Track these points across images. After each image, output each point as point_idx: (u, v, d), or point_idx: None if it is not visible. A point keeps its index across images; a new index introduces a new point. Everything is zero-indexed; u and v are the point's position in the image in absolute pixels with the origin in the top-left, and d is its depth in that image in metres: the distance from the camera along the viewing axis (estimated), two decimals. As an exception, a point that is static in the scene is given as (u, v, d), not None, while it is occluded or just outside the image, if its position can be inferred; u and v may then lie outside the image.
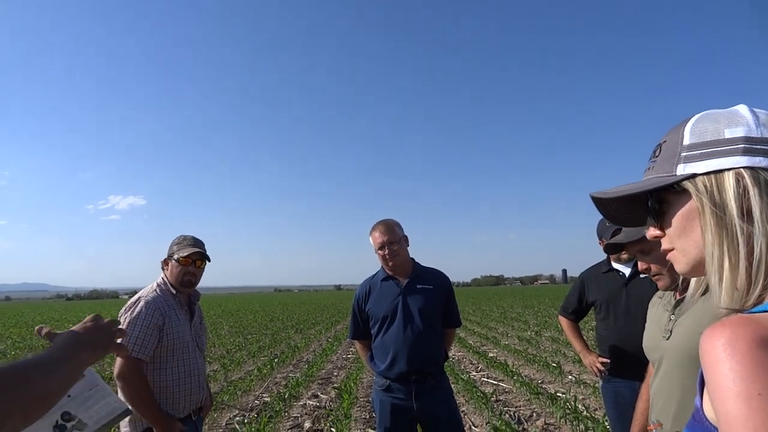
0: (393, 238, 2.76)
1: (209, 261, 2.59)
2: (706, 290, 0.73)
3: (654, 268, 1.48)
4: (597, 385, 6.61)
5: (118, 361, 2.23)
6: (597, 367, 2.99)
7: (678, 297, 1.52)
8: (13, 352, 12.36)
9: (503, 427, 4.85)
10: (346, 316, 23.63)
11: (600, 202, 0.81)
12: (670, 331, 1.44)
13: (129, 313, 2.32)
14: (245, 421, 5.75)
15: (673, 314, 1.47)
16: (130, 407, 1.21)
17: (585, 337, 3.40)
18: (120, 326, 1.10)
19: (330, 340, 13.82)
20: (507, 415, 5.64)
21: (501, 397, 6.59)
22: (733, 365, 0.53)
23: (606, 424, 4.72)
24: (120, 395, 2.29)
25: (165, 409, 2.31)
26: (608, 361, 2.93)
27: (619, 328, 2.86)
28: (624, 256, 2.92)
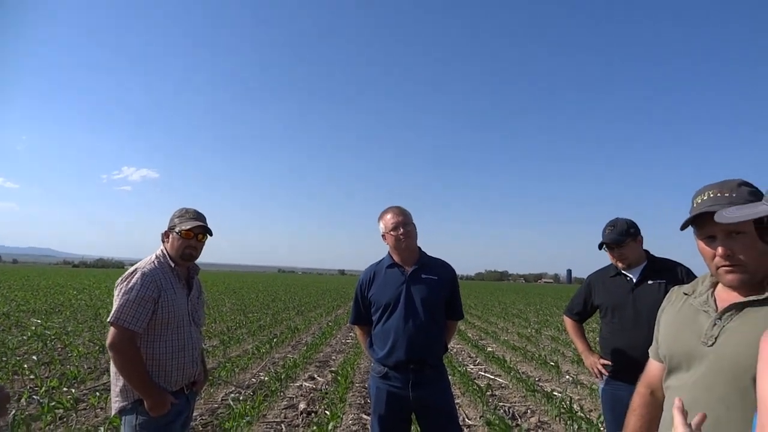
0: (407, 220, 2.76)
1: (211, 235, 2.55)
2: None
3: (741, 258, 1.28)
4: (594, 386, 6.58)
5: (111, 331, 2.21)
6: (598, 369, 2.96)
7: (717, 299, 1.39)
8: (16, 314, 12.49)
9: (496, 422, 4.82)
10: (347, 301, 23.72)
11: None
12: (715, 338, 1.32)
13: (125, 283, 2.29)
14: (241, 398, 5.77)
15: (719, 319, 1.34)
16: None
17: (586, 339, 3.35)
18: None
19: (330, 323, 13.86)
20: (501, 410, 5.61)
21: (497, 392, 6.56)
22: None
23: (600, 426, 4.68)
24: (111, 366, 2.28)
25: (157, 382, 2.29)
26: (609, 363, 2.89)
27: (624, 332, 2.81)
28: (620, 264, 2.88)
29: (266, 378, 6.80)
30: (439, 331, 2.79)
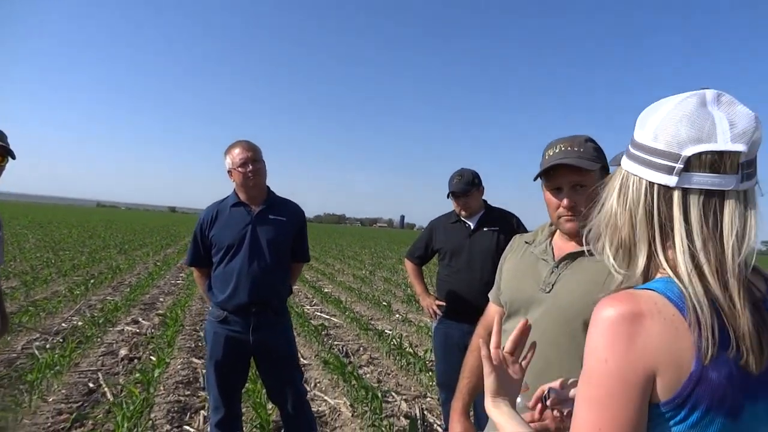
0: (257, 156, 2.59)
1: (14, 158, 2.09)
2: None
3: (582, 209, 1.31)
4: (421, 324, 7.13)
5: None
6: (433, 309, 3.15)
7: (554, 249, 1.48)
8: None
9: (332, 360, 4.98)
10: (178, 240, 22.36)
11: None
12: (552, 285, 1.40)
13: None
14: (47, 346, 5.11)
15: (556, 267, 1.42)
16: None
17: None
18: None
19: (158, 263, 12.93)
20: (336, 349, 5.80)
21: (332, 332, 6.76)
22: (601, 331, 0.69)
23: (427, 360, 5.11)
24: None
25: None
26: (444, 304, 3.09)
27: (459, 275, 3.00)
28: (463, 212, 3.06)
29: (80, 323, 6.11)
30: (285, 273, 2.72)
